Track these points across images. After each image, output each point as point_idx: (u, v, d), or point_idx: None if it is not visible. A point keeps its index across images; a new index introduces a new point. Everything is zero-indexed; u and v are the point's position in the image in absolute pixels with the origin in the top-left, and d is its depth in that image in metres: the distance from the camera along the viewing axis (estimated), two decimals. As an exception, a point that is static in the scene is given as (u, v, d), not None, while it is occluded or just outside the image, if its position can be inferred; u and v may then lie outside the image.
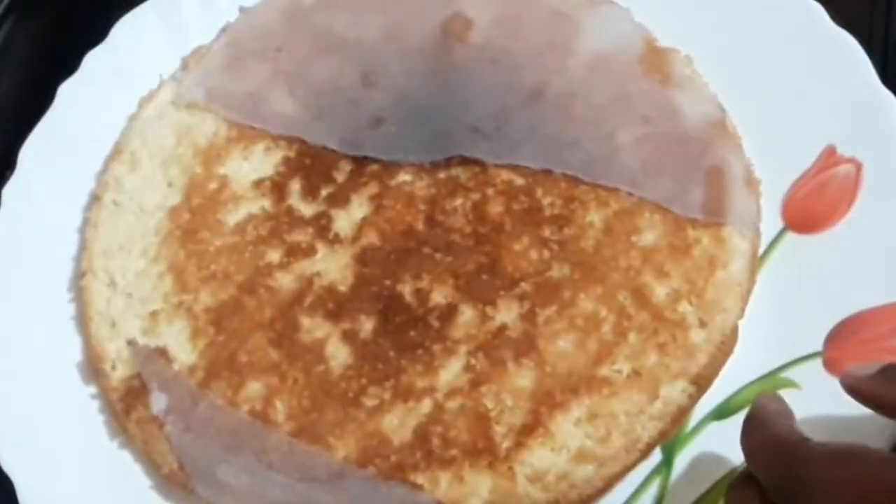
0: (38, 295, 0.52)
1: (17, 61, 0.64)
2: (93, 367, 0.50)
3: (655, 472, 0.46)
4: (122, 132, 0.56)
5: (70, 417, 0.49)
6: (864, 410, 0.43)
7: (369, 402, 0.46)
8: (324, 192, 0.53)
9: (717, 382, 0.47)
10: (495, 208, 0.51)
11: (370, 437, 0.45)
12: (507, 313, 0.48)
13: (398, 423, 0.46)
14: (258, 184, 0.53)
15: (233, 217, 0.52)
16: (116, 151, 0.55)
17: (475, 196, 0.51)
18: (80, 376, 0.50)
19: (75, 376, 0.50)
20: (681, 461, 0.46)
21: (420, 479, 0.44)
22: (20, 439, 0.48)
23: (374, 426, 0.46)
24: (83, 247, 0.53)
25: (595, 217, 0.50)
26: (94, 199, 0.54)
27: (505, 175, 0.52)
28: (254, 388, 0.47)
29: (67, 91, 0.57)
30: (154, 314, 0.50)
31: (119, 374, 0.49)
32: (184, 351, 0.49)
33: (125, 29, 0.59)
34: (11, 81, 0.63)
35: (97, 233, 0.53)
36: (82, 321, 0.51)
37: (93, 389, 0.50)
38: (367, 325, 0.48)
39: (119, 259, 0.52)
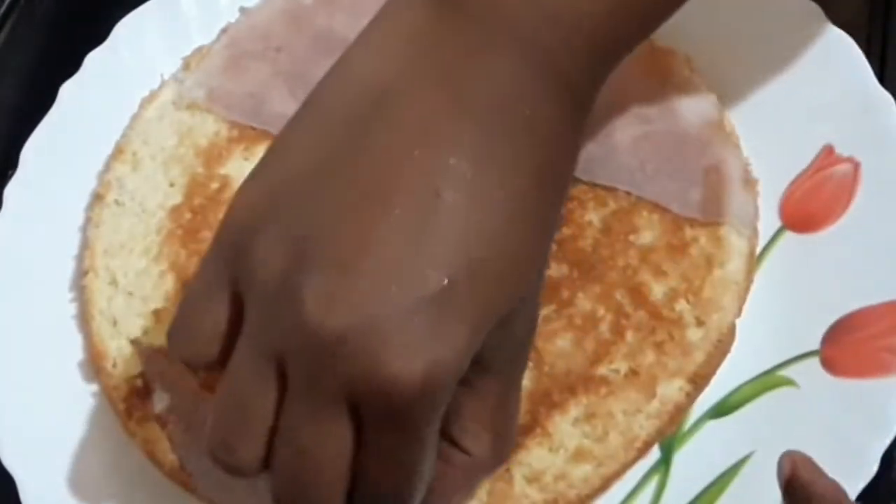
0: (39, 294, 0.53)
1: (19, 61, 0.64)
2: (94, 366, 0.50)
3: (653, 470, 0.46)
4: (124, 132, 0.56)
5: (71, 416, 0.49)
6: (864, 410, 0.44)
7: (368, 401, 0.46)
8: (324, 192, 0.53)
9: (714, 381, 0.47)
10: (494, 207, 0.51)
11: (369, 437, 0.46)
12: (505, 312, 0.48)
13: (397, 422, 0.46)
14: (259, 184, 0.53)
15: (234, 217, 0.53)
16: (118, 151, 0.55)
17: (474, 195, 0.51)
18: (81, 375, 0.51)
19: (76, 375, 0.51)
20: (679, 459, 0.46)
21: (419, 477, 0.45)
22: (22, 437, 0.48)
23: (372, 425, 0.46)
24: (85, 246, 0.53)
25: (593, 216, 0.50)
26: (96, 198, 0.54)
27: (504, 174, 0.52)
28: (254, 386, 0.48)
29: (69, 91, 0.57)
30: (156, 313, 0.50)
31: (120, 372, 0.49)
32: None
33: (126, 29, 0.59)
34: (13, 81, 0.64)
35: (99, 232, 0.53)
36: (84, 320, 0.51)
37: (94, 388, 0.50)
38: (366, 324, 0.48)
39: (121, 258, 0.52)
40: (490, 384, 0.35)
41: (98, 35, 0.59)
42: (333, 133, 0.34)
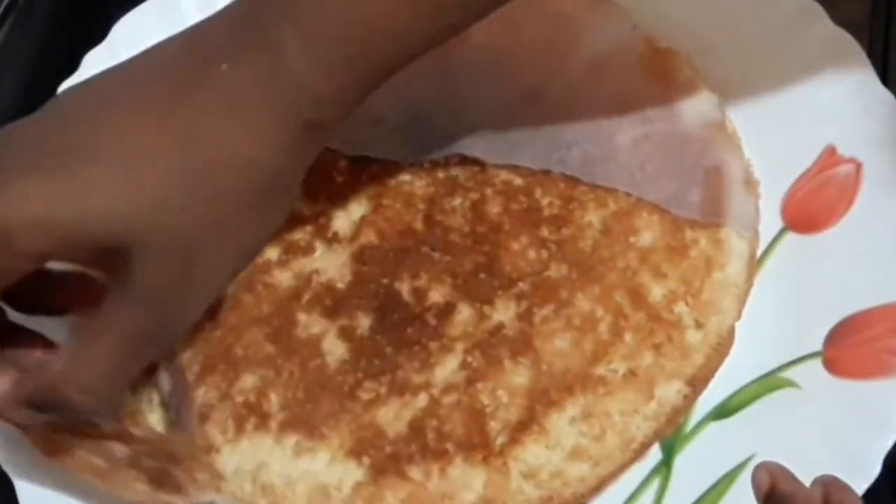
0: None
1: (18, 61, 0.64)
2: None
3: (655, 472, 0.46)
4: (123, 130, 0.56)
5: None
6: (866, 412, 0.43)
7: (365, 396, 0.46)
8: (323, 192, 0.53)
9: (716, 382, 0.46)
10: (494, 208, 0.51)
11: (365, 429, 0.45)
12: (504, 312, 0.48)
13: (393, 416, 0.46)
14: (257, 182, 0.53)
15: (231, 214, 0.53)
16: (116, 149, 0.56)
17: (474, 196, 0.51)
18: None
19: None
20: (680, 461, 0.46)
21: (414, 471, 0.44)
22: (18, 437, 0.48)
23: (369, 418, 0.46)
24: (82, 244, 0.53)
25: (593, 217, 0.50)
26: (93, 195, 0.54)
27: (504, 175, 0.52)
28: (248, 380, 0.47)
29: (68, 92, 0.57)
30: (151, 310, 0.50)
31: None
32: (180, 345, 0.49)
33: (125, 29, 0.59)
34: (13, 81, 0.64)
35: (96, 230, 0.53)
36: (76, 319, 0.51)
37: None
38: (364, 322, 0.48)
39: (117, 256, 0.52)
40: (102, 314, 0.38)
41: (98, 35, 0.58)
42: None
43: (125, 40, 0.58)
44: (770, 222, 0.50)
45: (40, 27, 0.65)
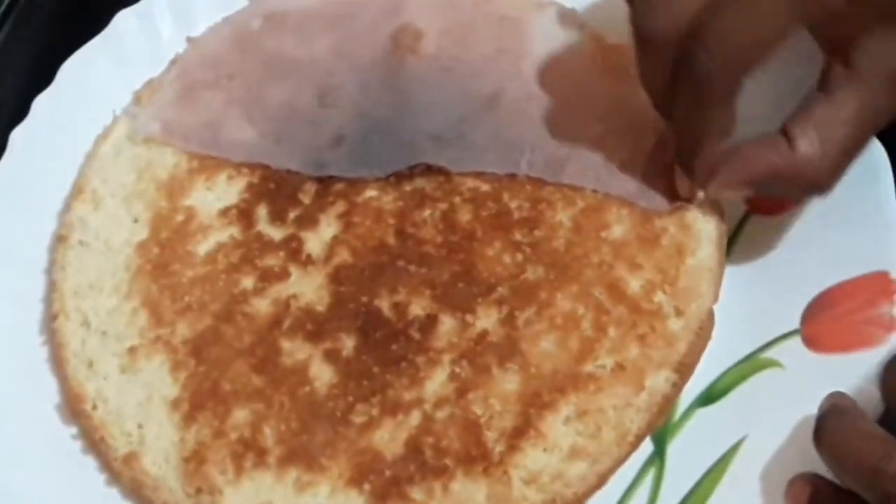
0: (9, 340, 0.51)
1: (18, 61, 0.64)
2: (72, 409, 0.49)
3: (649, 464, 0.46)
4: (81, 171, 0.55)
5: (53, 459, 0.48)
6: (850, 385, 0.44)
7: (358, 420, 0.46)
8: (291, 215, 0.52)
9: (699, 369, 0.47)
10: (464, 216, 0.51)
11: (362, 455, 0.45)
12: (486, 319, 0.48)
13: (389, 438, 0.45)
14: (224, 212, 0.53)
15: (202, 247, 0.52)
16: (77, 191, 0.55)
17: (443, 206, 0.51)
18: (59, 418, 0.49)
19: (55, 418, 0.49)
20: (673, 451, 0.46)
21: (416, 491, 0.44)
22: (4, 486, 0.47)
23: (365, 443, 0.45)
24: (52, 289, 0.52)
25: (563, 216, 0.50)
26: (60, 240, 0.53)
27: (470, 182, 0.52)
28: (240, 415, 0.47)
29: (20, 138, 0.56)
30: (132, 350, 0.49)
31: (100, 413, 0.48)
32: (165, 385, 0.48)
33: (71, 70, 0.58)
34: (12, 81, 0.63)
35: (66, 274, 0.52)
36: (57, 363, 0.50)
37: (73, 430, 0.49)
38: (348, 343, 0.48)
39: (90, 298, 0.51)
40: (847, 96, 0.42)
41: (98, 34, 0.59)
42: None
43: (73, 81, 0.58)
44: (735, 207, 0.50)
45: (41, 27, 0.65)
